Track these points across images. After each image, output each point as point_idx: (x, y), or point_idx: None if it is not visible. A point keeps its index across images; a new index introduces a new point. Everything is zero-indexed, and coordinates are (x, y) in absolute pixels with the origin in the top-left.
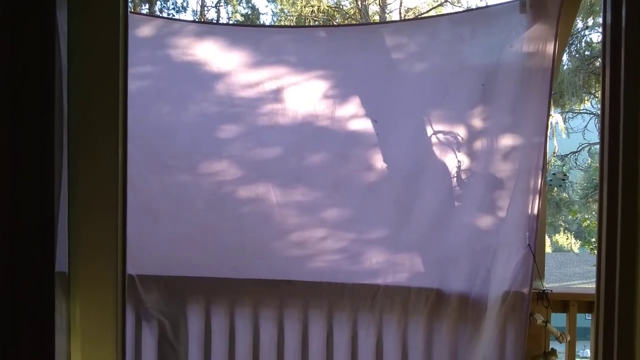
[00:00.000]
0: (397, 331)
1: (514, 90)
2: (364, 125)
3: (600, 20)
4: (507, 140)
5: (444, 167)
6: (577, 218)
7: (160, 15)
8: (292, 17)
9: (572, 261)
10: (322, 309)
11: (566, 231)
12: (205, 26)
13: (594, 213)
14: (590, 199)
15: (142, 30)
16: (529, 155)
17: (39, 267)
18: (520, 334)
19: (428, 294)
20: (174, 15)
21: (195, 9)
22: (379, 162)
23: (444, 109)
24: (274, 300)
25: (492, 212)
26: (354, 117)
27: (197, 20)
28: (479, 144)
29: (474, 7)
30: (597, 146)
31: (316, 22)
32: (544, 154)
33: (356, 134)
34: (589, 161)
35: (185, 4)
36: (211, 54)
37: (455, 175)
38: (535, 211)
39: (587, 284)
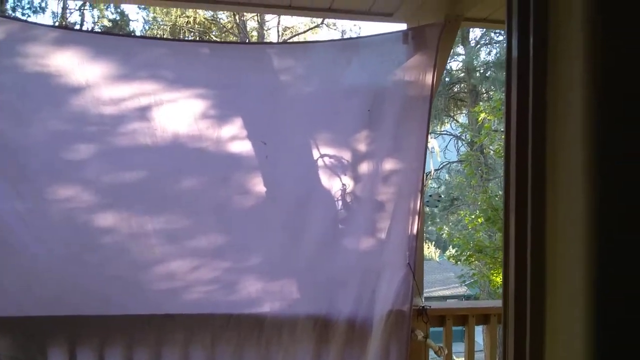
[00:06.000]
0: None
1: (396, 117)
2: (245, 147)
3: (458, 49)
4: (389, 165)
5: (329, 190)
6: (436, 228)
7: (13, 15)
8: (165, 27)
9: (434, 269)
10: (204, 344)
11: (427, 241)
12: (68, 33)
13: (451, 224)
14: (448, 212)
15: None
16: (409, 178)
17: None
18: (402, 351)
19: (316, 321)
20: (29, 17)
21: (55, 11)
22: (260, 185)
23: (331, 132)
24: (150, 337)
25: (376, 234)
26: (236, 138)
27: (56, 24)
28: (363, 168)
29: (347, 30)
30: (455, 164)
31: (192, 34)
32: (422, 177)
33: (237, 156)
34: (447, 177)
35: (44, 5)
36: (71, 64)
37: (340, 198)
38: (415, 231)
39: (446, 291)
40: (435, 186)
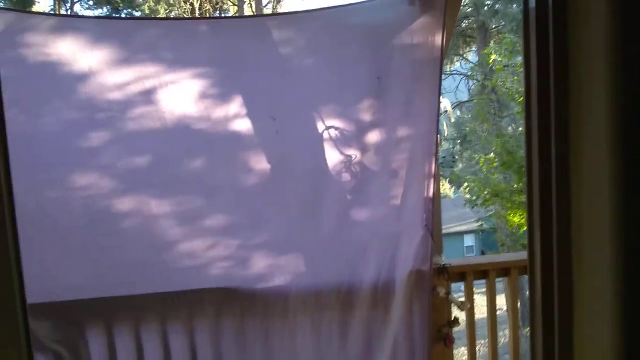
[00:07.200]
0: (311, 331)
1: (406, 82)
2: (253, 124)
3: None
4: (401, 131)
5: (341, 161)
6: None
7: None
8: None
9: (449, 206)
10: (234, 317)
11: (442, 178)
12: (64, 20)
13: (464, 160)
14: (462, 148)
15: None
16: (422, 143)
17: None
18: (425, 308)
19: (339, 289)
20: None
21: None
22: (272, 161)
23: (338, 103)
24: (181, 312)
25: (391, 200)
26: (243, 115)
27: (53, 12)
28: (375, 136)
29: None
30: (467, 104)
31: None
32: (436, 140)
33: (245, 133)
34: (458, 114)
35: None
36: (72, 51)
37: (352, 168)
38: (431, 194)
39: (463, 226)
40: (449, 147)
